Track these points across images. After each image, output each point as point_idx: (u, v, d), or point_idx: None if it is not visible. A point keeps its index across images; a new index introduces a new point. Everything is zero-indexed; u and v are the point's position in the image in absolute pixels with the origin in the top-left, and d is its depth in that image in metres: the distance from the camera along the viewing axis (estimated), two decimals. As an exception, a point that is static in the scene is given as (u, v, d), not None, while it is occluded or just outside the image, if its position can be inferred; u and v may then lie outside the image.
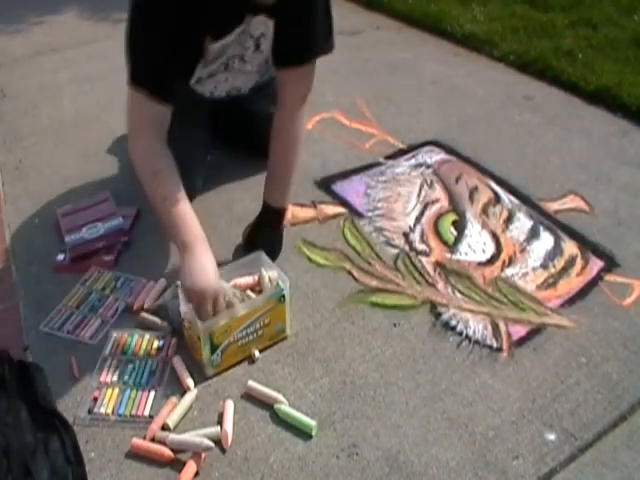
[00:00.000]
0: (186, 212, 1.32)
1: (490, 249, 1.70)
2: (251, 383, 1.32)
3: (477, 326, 1.46)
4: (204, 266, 1.28)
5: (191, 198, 1.39)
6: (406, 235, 1.75)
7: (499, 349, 1.41)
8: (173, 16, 1.26)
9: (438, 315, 1.49)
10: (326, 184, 1.96)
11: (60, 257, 1.67)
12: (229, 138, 2.01)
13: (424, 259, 1.66)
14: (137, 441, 1.21)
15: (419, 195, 1.91)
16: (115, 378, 1.34)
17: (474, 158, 2.06)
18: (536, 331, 1.45)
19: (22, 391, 1.27)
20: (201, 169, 1.84)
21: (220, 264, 1.47)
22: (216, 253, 1.65)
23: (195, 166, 1.77)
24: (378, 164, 2.05)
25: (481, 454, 1.20)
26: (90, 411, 1.27)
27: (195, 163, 1.76)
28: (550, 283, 1.59)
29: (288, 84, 1.52)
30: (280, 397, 1.28)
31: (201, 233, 1.32)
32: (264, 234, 1.62)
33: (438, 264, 1.65)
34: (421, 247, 1.71)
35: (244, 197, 1.90)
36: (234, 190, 1.93)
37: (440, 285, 1.58)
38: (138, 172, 1.37)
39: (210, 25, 1.38)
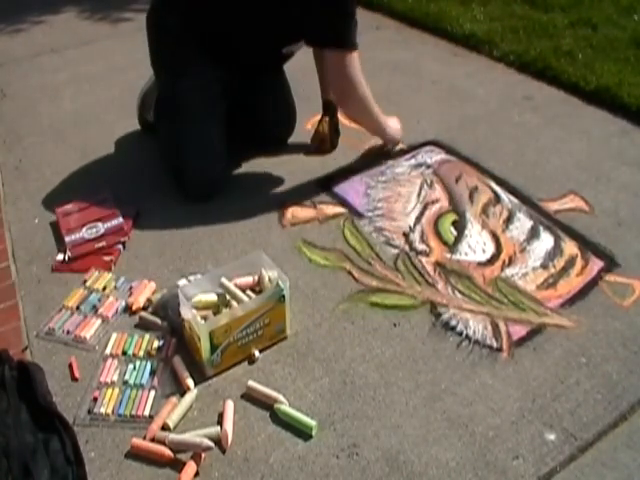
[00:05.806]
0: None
1: (490, 249, 1.70)
2: (251, 383, 1.32)
3: (477, 326, 1.46)
4: (394, 120, 2.11)
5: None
6: (406, 235, 1.75)
7: (499, 349, 1.41)
8: None
9: (438, 315, 1.49)
10: (326, 184, 1.96)
11: (60, 257, 1.68)
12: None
13: (424, 259, 1.66)
14: (137, 441, 1.21)
15: (419, 195, 1.91)
16: (115, 378, 1.34)
17: (474, 158, 2.06)
18: (536, 331, 1.45)
19: (22, 391, 1.27)
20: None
21: (220, 264, 1.48)
22: (216, 253, 1.67)
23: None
24: (378, 164, 2.05)
25: (481, 454, 1.19)
26: (90, 411, 1.27)
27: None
28: (550, 283, 1.59)
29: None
30: (280, 397, 1.28)
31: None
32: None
33: (438, 264, 1.65)
34: (421, 247, 1.71)
35: (244, 197, 1.90)
36: (234, 190, 1.93)
37: (440, 285, 1.58)
38: (363, 88, 1.88)
39: None
